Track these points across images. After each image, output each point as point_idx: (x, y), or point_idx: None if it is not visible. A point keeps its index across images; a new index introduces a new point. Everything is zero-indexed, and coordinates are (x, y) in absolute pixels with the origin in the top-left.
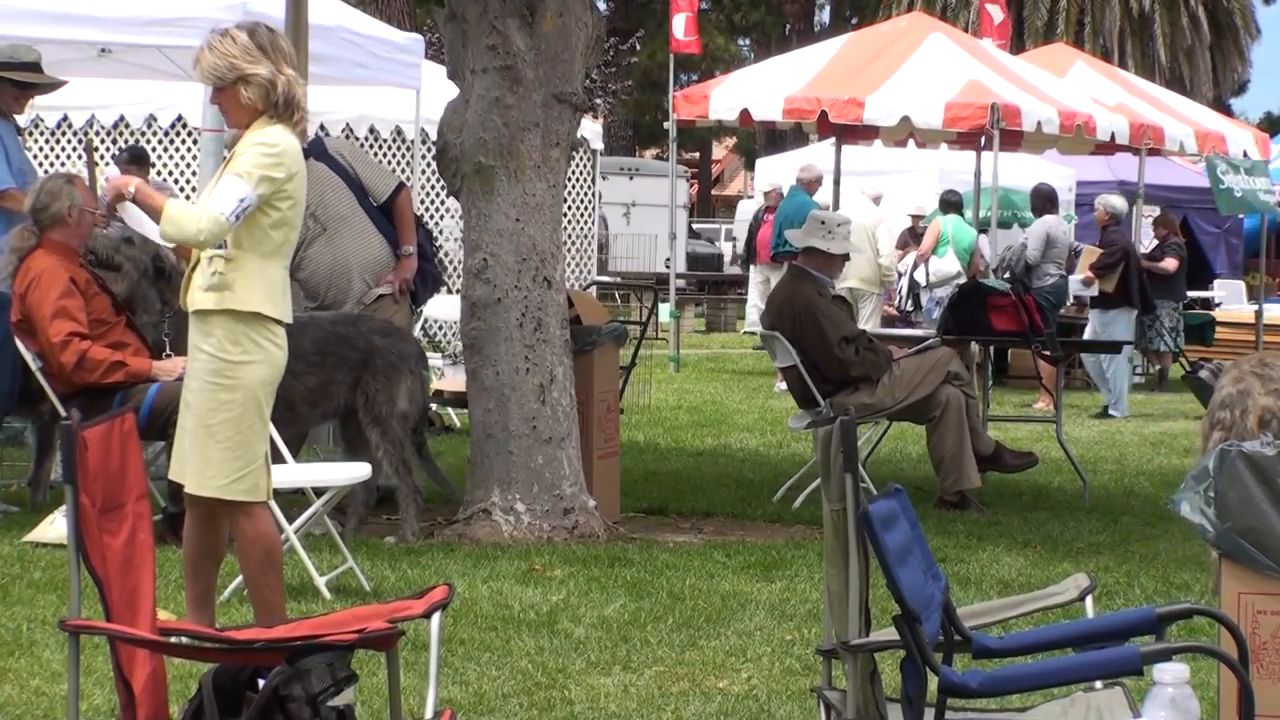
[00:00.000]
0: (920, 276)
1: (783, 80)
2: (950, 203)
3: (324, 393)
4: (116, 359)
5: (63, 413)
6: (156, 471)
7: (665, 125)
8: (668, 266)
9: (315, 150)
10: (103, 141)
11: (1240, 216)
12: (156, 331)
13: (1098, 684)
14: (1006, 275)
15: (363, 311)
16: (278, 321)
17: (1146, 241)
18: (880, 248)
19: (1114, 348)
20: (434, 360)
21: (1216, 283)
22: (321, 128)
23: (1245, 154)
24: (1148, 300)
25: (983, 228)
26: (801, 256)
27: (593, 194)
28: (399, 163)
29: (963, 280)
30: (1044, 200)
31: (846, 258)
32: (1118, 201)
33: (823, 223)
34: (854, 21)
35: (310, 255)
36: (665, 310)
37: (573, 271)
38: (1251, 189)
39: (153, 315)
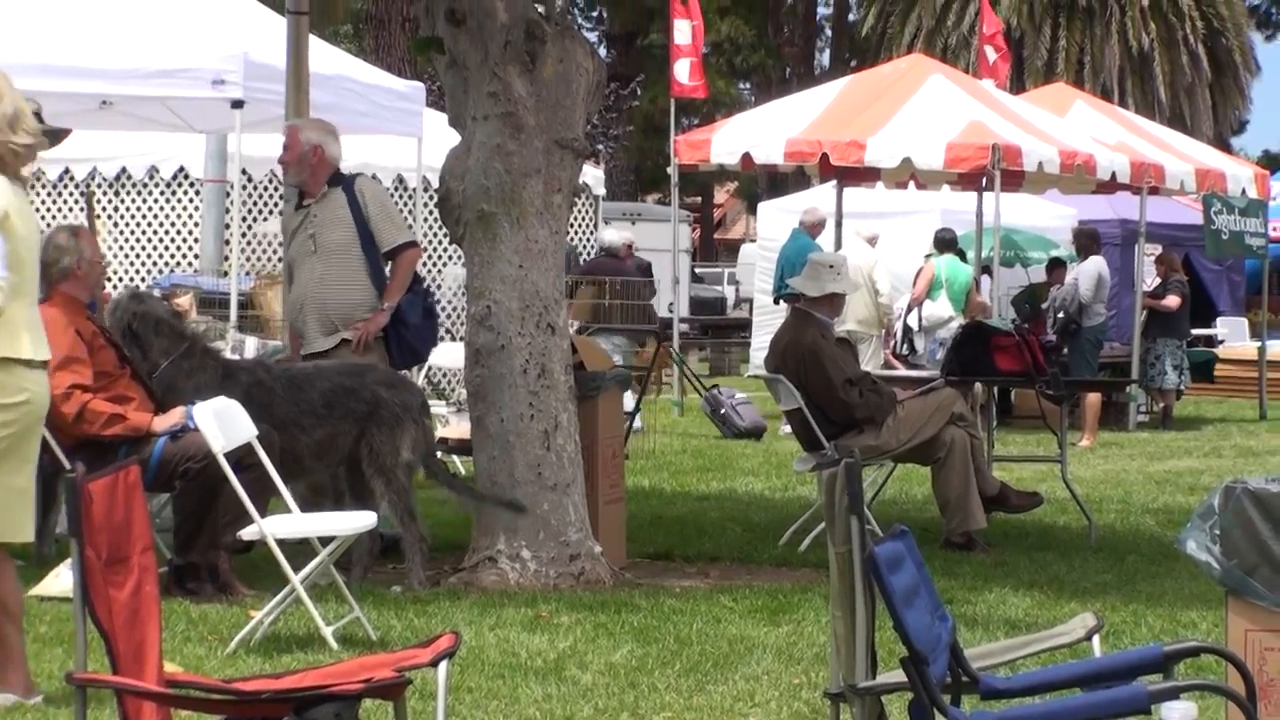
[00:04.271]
0: (914, 320)
1: (784, 123)
2: (945, 241)
3: (330, 445)
4: (117, 412)
5: (66, 464)
6: (162, 524)
7: (667, 170)
8: (671, 311)
9: (342, 181)
10: (105, 194)
11: None
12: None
13: None
14: (1060, 315)
15: (325, 349)
16: (29, 362)
17: (1149, 279)
18: (879, 288)
19: (1120, 386)
20: (438, 408)
21: (1219, 320)
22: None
23: (1244, 192)
24: None
25: (985, 268)
26: (804, 299)
27: (595, 239)
28: (401, 211)
29: (956, 323)
30: (1089, 240)
31: (845, 296)
32: None
33: (822, 265)
34: (854, 64)
35: (299, 272)
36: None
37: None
38: (1240, 231)
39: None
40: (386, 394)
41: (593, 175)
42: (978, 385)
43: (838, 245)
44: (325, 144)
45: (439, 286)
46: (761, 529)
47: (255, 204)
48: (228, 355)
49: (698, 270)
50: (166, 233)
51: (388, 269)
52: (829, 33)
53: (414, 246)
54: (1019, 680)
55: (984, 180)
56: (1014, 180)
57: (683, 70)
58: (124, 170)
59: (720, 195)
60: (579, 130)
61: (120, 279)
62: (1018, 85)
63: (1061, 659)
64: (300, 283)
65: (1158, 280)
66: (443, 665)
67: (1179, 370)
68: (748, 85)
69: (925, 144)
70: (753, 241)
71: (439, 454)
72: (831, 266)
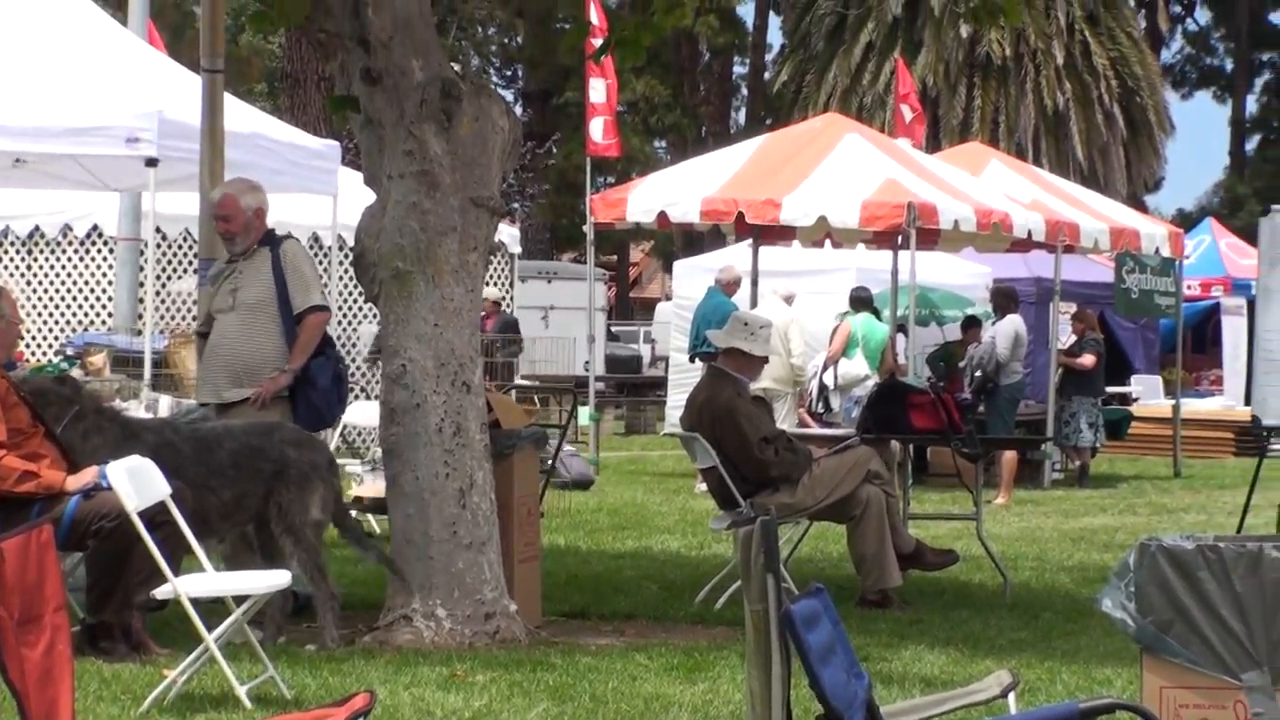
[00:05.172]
0: (829, 379)
1: (700, 182)
2: (860, 299)
3: (238, 505)
4: (29, 469)
5: None
6: (75, 582)
7: (583, 228)
8: (587, 369)
9: (269, 240)
10: (19, 252)
11: None
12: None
13: None
14: (977, 373)
15: (223, 404)
16: None
17: (1064, 338)
18: (793, 348)
19: (1035, 444)
20: (354, 466)
21: (1134, 378)
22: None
23: (1158, 250)
24: None
25: (901, 326)
26: (722, 357)
27: (510, 297)
28: (319, 270)
29: (871, 381)
30: (1006, 299)
31: (765, 359)
32: None
33: (745, 324)
34: (769, 122)
35: (216, 324)
36: (585, 413)
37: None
38: (1151, 290)
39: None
40: (294, 453)
41: (508, 233)
42: (894, 443)
43: (753, 303)
44: (264, 205)
45: (355, 345)
46: (677, 587)
47: (169, 262)
48: (132, 414)
49: (613, 328)
50: (80, 291)
51: None
52: (745, 91)
53: (321, 310)
54: None
55: (899, 238)
56: (929, 238)
57: (598, 128)
58: (37, 228)
59: (636, 253)
60: (495, 188)
61: (35, 338)
62: (933, 144)
63: (977, 716)
64: (215, 334)
65: (1073, 338)
66: None
67: (1094, 428)
68: (663, 144)
69: (841, 202)
70: (668, 300)
71: (354, 513)
72: (748, 325)
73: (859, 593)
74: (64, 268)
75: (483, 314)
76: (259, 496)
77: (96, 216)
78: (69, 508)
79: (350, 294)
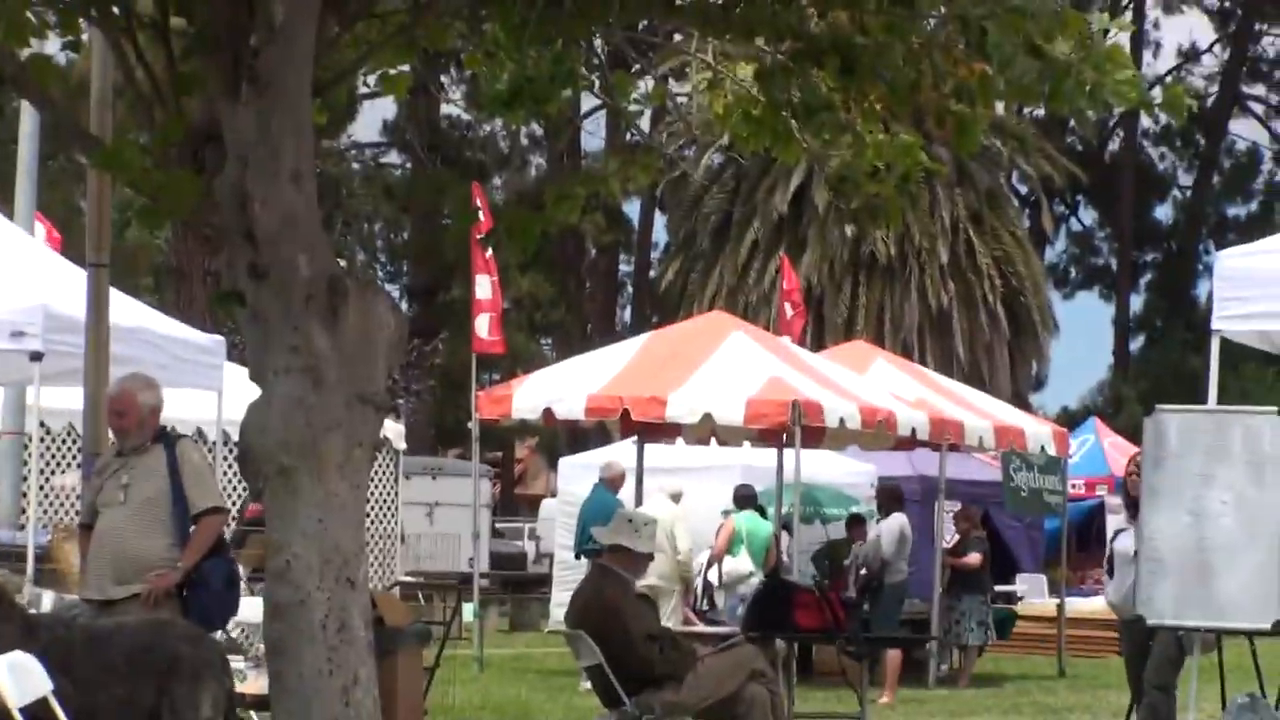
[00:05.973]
0: (714, 576)
1: (585, 379)
2: (745, 497)
3: (130, 701)
4: None
5: None
6: None
7: (468, 424)
8: (471, 565)
9: (165, 439)
10: None
11: None
12: None
13: None
14: (862, 571)
15: (107, 600)
16: None
17: (949, 536)
18: (679, 544)
19: (920, 642)
20: (237, 663)
21: (1019, 576)
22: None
23: (1043, 449)
24: None
25: (785, 524)
26: (607, 554)
27: (395, 493)
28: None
29: (756, 579)
30: (890, 498)
31: (651, 556)
32: None
33: (630, 521)
34: (655, 320)
35: (103, 518)
36: (469, 609)
37: (375, 571)
38: (1039, 488)
39: None
40: (187, 650)
41: (394, 429)
42: (778, 641)
43: (639, 501)
44: (159, 403)
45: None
46: None
47: (53, 456)
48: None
49: (498, 525)
50: None
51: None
52: (630, 289)
53: (219, 512)
54: None
55: (784, 436)
56: (815, 436)
57: (483, 325)
58: None
59: (521, 450)
60: (380, 384)
61: None
62: (818, 342)
63: None
64: (102, 528)
65: (957, 537)
66: None
67: (985, 626)
68: (548, 341)
69: (726, 400)
70: (553, 496)
71: (237, 709)
72: (632, 522)
73: None
74: None
75: None
76: (151, 693)
77: None
78: None
79: (235, 489)
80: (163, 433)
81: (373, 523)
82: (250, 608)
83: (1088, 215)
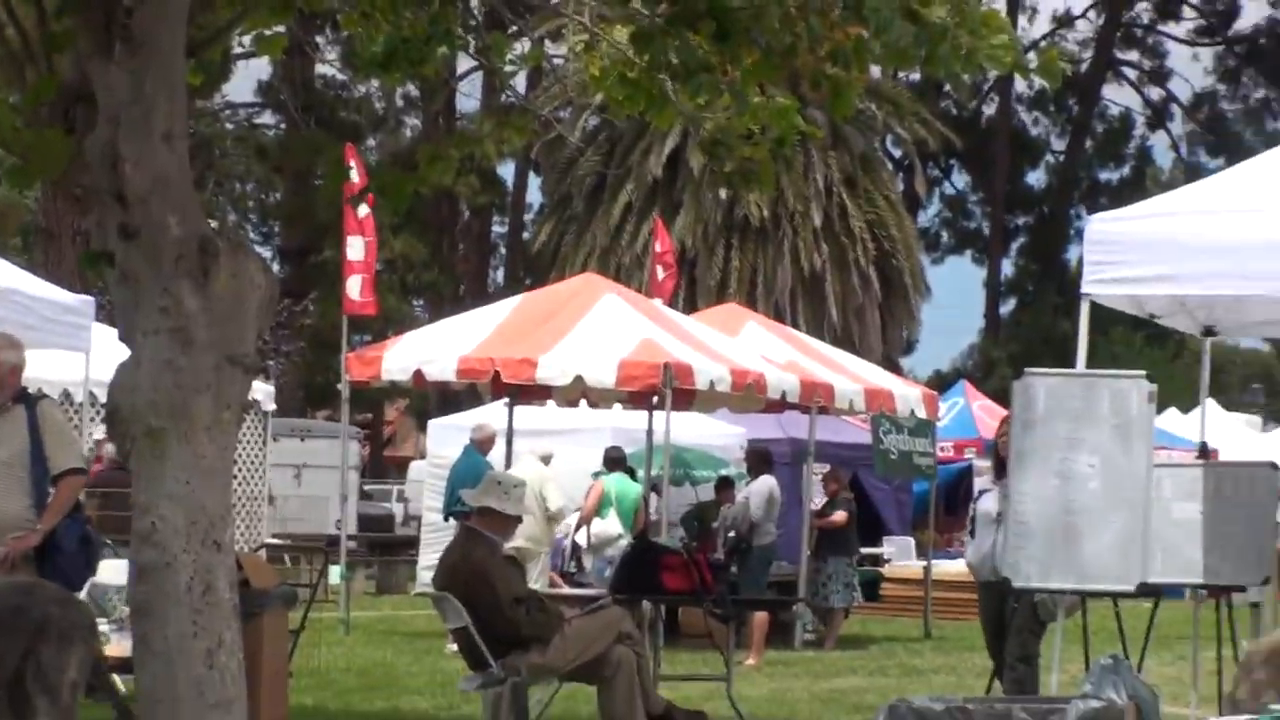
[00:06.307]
0: (582, 538)
1: (456, 340)
2: (614, 459)
3: None
4: None
5: None
6: None
7: (338, 386)
8: (339, 528)
9: (26, 399)
10: None
11: None
12: None
13: None
14: (731, 534)
15: None
16: None
17: (817, 499)
18: (550, 505)
19: (787, 605)
20: (102, 624)
21: (886, 539)
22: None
23: (913, 412)
24: None
25: (654, 486)
26: (475, 516)
27: (263, 455)
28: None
29: (624, 541)
30: (759, 461)
31: (519, 519)
32: None
33: (499, 483)
34: (528, 281)
35: None
36: (335, 572)
37: (242, 533)
38: (909, 451)
39: None
40: (56, 611)
41: (263, 391)
42: (645, 603)
43: (508, 463)
44: (21, 362)
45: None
46: None
47: None
48: None
49: (366, 487)
50: None
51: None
52: (503, 250)
53: (80, 473)
54: None
55: (655, 398)
56: (685, 399)
57: (354, 286)
58: None
59: (391, 412)
60: (250, 346)
61: None
62: (690, 304)
63: None
64: None
65: (825, 499)
66: None
67: (851, 588)
68: (421, 303)
69: (597, 362)
70: (423, 458)
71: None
72: (501, 484)
73: None
74: None
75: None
76: (17, 654)
77: None
78: None
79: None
80: (24, 393)
81: (240, 484)
82: (114, 570)
83: (961, 179)
